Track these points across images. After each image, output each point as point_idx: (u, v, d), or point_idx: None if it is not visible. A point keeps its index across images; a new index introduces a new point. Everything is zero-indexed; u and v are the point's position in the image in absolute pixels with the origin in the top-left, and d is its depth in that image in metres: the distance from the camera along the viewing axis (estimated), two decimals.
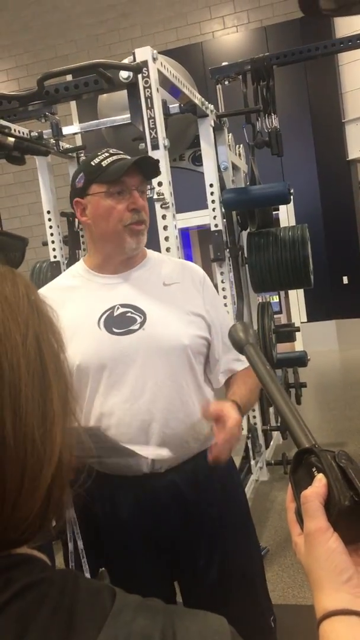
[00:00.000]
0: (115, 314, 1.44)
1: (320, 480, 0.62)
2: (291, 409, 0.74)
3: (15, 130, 2.98)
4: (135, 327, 1.41)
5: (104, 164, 1.44)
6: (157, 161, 1.49)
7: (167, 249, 2.42)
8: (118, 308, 1.44)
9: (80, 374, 1.40)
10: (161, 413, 1.39)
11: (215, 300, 1.57)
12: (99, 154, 1.48)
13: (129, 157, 1.48)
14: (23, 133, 3.19)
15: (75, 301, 1.48)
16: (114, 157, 1.46)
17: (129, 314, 1.43)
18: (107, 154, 1.47)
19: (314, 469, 0.65)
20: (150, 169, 1.48)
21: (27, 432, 0.47)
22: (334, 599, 0.57)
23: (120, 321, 1.42)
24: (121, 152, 1.51)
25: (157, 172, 1.51)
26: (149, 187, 1.49)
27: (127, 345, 1.40)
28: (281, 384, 0.88)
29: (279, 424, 4.27)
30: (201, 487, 1.45)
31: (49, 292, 1.53)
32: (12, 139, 2.89)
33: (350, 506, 0.60)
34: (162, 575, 1.49)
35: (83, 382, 1.41)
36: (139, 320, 1.42)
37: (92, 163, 1.46)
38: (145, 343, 1.40)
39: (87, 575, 1.34)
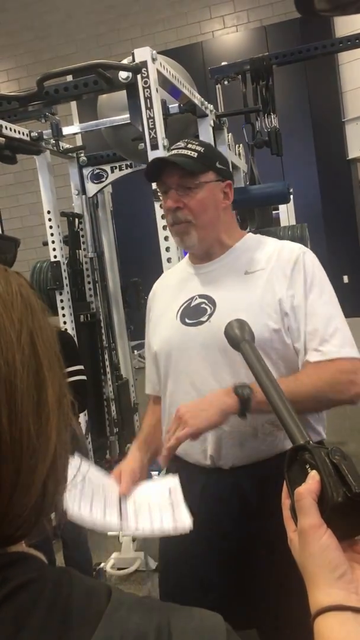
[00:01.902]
0: (192, 304, 1.45)
1: (313, 477, 0.63)
2: (286, 406, 0.75)
3: (6, 128, 2.98)
4: (204, 318, 1.41)
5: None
6: (186, 156, 1.43)
7: (167, 249, 2.43)
8: (196, 299, 1.46)
9: (158, 361, 1.49)
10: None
11: (308, 285, 1.39)
12: (172, 149, 1.49)
13: (180, 151, 1.44)
14: (20, 132, 3.19)
15: (169, 290, 1.55)
16: (168, 153, 1.48)
17: (202, 305, 1.43)
18: (173, 148, 1.48)
19: (307, 466, 0.65)
20: (187, 163, 1.42)
21: (23, 427, 0.47)
22: (328, 594, 0.58)
23: (194, 312, 1.44)
24: (181, 145, 1.46)
25: (198, 165, 1.42)
26: (197, 182, 1.41)
27: (193, 336, 1.41)
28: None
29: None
30: (267, 494, 1.35)
31: (161, 278, 1.67)
32: (2, 139, 2.90)
33: (343, 502, 0.60)
34: (213, 569, 1.45)
35: (160, 369, 1.49)
36: (209, 311, 1.41)
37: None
38: (208, 336, 1.38)
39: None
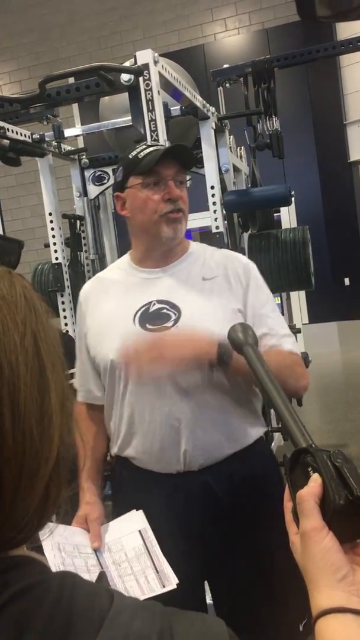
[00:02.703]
0: (151, 309, 1.43)
1: (315, 480, 0.63)
2: (289, 409, 0.75)
3: (10, 130, 2.99)
4: (169, 324, 1.40)
5: (140, 155, 1.44)
6: (190, 150, 1.47)
7: None
8: (154, 304, 1.44)
9: (114, 369, 1.43)
10: (192, 413, 1.38)
11: (260, 293, 1.50)
12: (138, 146, 1.48)
13: (164, 147, 1.48)
14: (22, 135, 3.20)
15: (115, 295, 1.50)
16: (151, 149, 1.45)
17: (164, 310, 1.42)
18: (144, 146, 1.47)
19: (309, 469, 0.65)
20: (186, 158, 1.46)
21: (26, 430, 0.47)
22: (329, 597, 0.58)
23: (155, 317, 1.42)
24: (159, 144, 1.50)
25: (191, 161, 1.49)
26: (188, 178, 1.48)
27: None
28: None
29: (279, 426, 4.27)
30: (236, 490, 1.42)
31: (94, 283, 1.60)
32: (6, 141, 2.90)
33: (345, 505, 0.61)
34: (192, 575, 1.45)
35: (116, 377, 1.43)
36: (173, 317, 1.41)
37: (130, 156, 1.47)
38: None
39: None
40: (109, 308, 1.49)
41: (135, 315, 1.43)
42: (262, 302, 1.48)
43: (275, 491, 1.51)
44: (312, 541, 0.61)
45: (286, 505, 0.69)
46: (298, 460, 0.68)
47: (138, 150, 1.46)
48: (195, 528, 1.42)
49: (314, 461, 0.65)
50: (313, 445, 0.69)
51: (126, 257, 1.58)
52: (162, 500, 1.41)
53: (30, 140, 3.24)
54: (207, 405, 1.39)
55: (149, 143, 1.49)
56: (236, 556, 1.43)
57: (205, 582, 1.54)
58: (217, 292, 1.45)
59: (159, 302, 1.43)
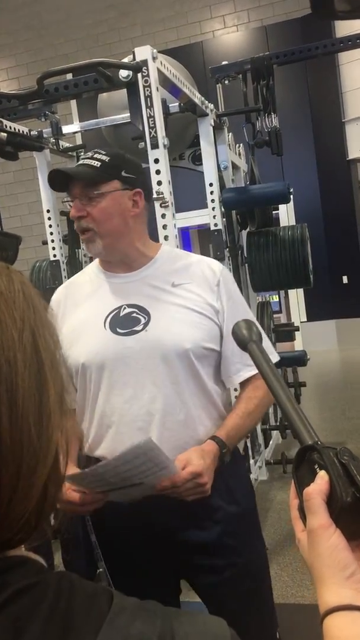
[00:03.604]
0: (121, 314, 1.44)
1: (322, 477, 0.63)
2: (294, 406, 0.74)
3: (6, 126, 2.97)
4: (139, 328, 1.41)
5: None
6: (89, 166, 1.45)
7: None
8: (125, 308, 1.45)
9: (85, 372, 1.44)
10: (160, 414, 1.39)
11: (233, 299, 1.50)
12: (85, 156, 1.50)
13: (85, 162, 1.47)
14: (20, 131, 3.19)
15: (85, 301, 1.52)
16: (68, 165, 1.48)
17: (134, 315, 1.43)
18: (82, 158, 1.50)
19: (316, 466, 0.65)
20: (84, 177, 1.45)
21: (24, 428, 0.46)
22: (337, 594, 0.58)
23: (125, 321, 1.43)
24: (88, 156, 1.48)
25: (94, 175, 1.44)
26: (96, 192, 1.43)
27: (129, 346, 1.40)
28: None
29: (277, 423, 4.27)
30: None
31: (65, 290, 1.60)
32: (4, 134, 2.89)
33: (352, 502, 0.60)
34: (165, 575, 1.49)
35: (87, 380, 1.45)
36: (143, 321, 1.42)
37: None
38: (147, 345, 1.40)
39: (103, 564, 1.40)
40: (80, 313, 1.50)
41: (105, 320, 1.44)
42: (235, 314, 1.44)
43: (245, 491, 1.55)
44: (320, 539, 0.61)
45: (292, 502, 0.68)
46: (304, 458, 0.68)
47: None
48: (165, 532, 1.43)
49: (321, 458, 0.65)
50: (319, 443, 0.68)
51: (95, 263, 1.59)
52: (129, 504, 1.40)
53: (28, 134, 3.23)
54: (174, 408, 1.41)
55: (82, 155, 1.51)
56: (209, 563, 1.45)
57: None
58: (187, 298, 1.45)
59: (129, 306, 1.45)
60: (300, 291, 8.44)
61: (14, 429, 0.46)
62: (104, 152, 1.47)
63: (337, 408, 5.53)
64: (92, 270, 1.58)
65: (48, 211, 3.59)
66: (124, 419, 1.41)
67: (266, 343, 1.45)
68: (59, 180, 1.47)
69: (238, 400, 1.51)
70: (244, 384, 1.50)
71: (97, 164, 1.44)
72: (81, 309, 1.50)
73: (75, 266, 4.13)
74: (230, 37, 8.84)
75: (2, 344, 0.46)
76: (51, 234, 3.62)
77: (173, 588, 1.54)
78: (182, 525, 1.43)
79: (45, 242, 3.71)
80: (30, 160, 3.65)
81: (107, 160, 1.45)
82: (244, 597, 1.46)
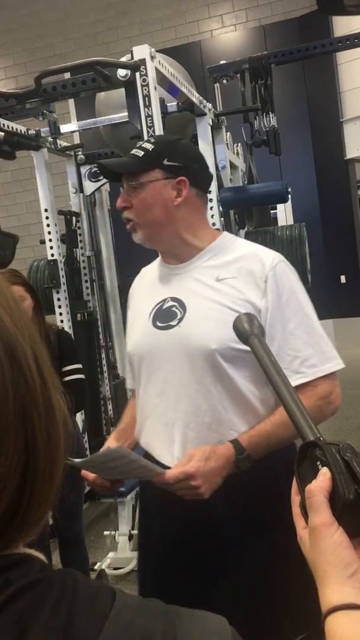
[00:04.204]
0: (164, 307, 1.43)
1: (324, 474, 0.62)
2: (296, 402, 0.73)
3: (4, 125, 2.97)
4: (174, 323, 1.39)
5: None
6: (118, 163, 1.46)
7: None
8: (168, 301, 1.43)
9: (131, 362, 1.50)
10: (184, 414, 1.35)
11: (282, 298, 1.35)
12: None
13: (132, 151, 1.45)
14: (18, 130, 3.18)
15: (145, 290, 1.54)
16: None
17: (173, 308, 1.41)
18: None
19: (318, 463, 0.64)
20: (125, 168, 1.44)
21: (52, 426, 0.49)
22: (339, 593, 0.57)
23: (165, 315, 1.41)
24: (137, 146, 1.47)
25: (139, 165, 1.42)
26: (133, 183, 1.40)
27: (163, 340, 1.39)
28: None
29: None
30: (229, 496, 1.34)
31: (137, 279, 1.63)
32: (1, 134, 2.89)
33: (355, 499, 0.60)
34: (188, 578, 1.44)
35: (134, 370, 1.49)
36: (179, 315, 1.39)
37: None
38: (177, 341, 1.37)
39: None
40: (139, 302, 1.53)
41: (151, 312, 1.44)
42: (286, 313, 1.34)
43: (277, 497, 1.41)
44: (322, 536, 0.60)
45: (294, 499, 0.68)
46: (306, 454, 0.67)
47: None
48: (189, 537, 1.41)
49: (323, 455, 0.64)
50: (321, 439, 0.67)
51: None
52: (159, 504, 1.41)
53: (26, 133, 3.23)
54: (199, 409, 1.35)
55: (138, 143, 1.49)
56: (234, 566, 1.39)
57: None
58: (227, 294, 1.36)
59: (172, 299, 1.43)
60: None
61: (49, 447, 0.48)
62: (152, 140, 1.45)
63: None
64: (157, 261, 1.57)
65: (46, 210, 3.59)
66: (155, 413, 1.40)
67: (328, 347, 1.36)
68: (109, 172, 1.45)
69: (280, 407, 1.37)
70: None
71: (140, 153, 1.41)
72: (139, 300, 1.54)
73: (72, 265, 4.13)
74: (228, 36, 8.83)
75: (22, 367, 0.47)
76: (49, 233, 3.62)
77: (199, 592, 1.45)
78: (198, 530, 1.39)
79: (43, 242, 3.70)
80: (28, 160, 3.65)
81: (150, 150, 1.41)
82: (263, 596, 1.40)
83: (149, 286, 1.52)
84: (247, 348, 1.29)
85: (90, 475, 1.38)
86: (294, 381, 1.31)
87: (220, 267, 1.41)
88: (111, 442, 1.52)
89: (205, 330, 1.33)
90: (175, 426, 1.37)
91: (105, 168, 1.45)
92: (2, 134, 2.89)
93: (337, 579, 0.58)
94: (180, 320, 1.38)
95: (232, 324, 0.96)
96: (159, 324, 1.41)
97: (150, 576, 1.52)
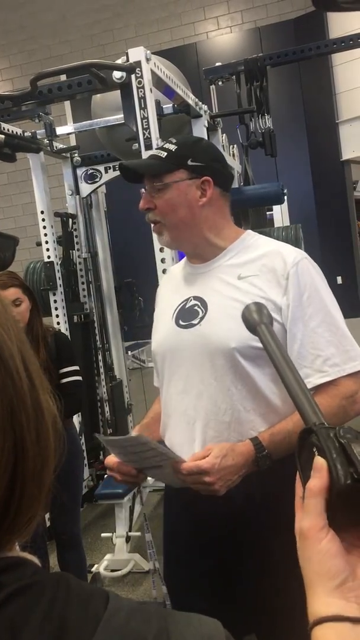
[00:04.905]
0: (187, 306, 1.44)
1: (319, 468, 0.57)
2: (302, 388, 0.69)
3: (4, 127, 2.97)
4: (196, 321, 1.40)
5: None
6: (155, 157, 1.43)
7: (161, 249, 2.42)
8: (191, 300, 1.44)
9: (155, 360, 1.51)
10: (204, 412, 1.36)
11: (303, 296, 1.33)
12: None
13: (153, 152, 1.45)
14: (14, 132, 3.18)
15: (170, 289, 1.55)
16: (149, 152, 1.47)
17: (195, 307, 1.42)
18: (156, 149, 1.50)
19: (314, 450, 0.60)
20: (150, 170, 1.43)
21: (41, 426, 0.49)
22: (325, 604, 0.55)
23: (187, 314, 1.42)
24: (159, 146, 1.47)
25: (163, 167, 1.42)
26: (160, 183, 1.40)
27: (185, 339, 1.40)
28: None
29: None
30: (251, 496, 1.35)
31: (164, 278, 1.66)
32: (2, 136, 2.89)
33: (351, 484, 0.55)
34: (207, 577, 1.43)
35: (157, 368, 1.52)
36: (200, 314, 1.40)
37: None
38: (198, 339, 1.37)
39: (155, 563, 1.39)
40: (164, 301, 1.55)
41: (175, 311, 1.46)
42: (308, 311, 1.33)
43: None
44: (309, 542, 0.57)
45: (297, 490, 0.63)
46: (305, 441, 0.62)
47: None
48: (208, 537, 1.41)
49: (317, 440, 0.59)
50: (322, 424, 0.62)
51: None
52: (180, 502, 1.42)
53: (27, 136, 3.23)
54: (219, 408, 1.35)
55: (157, 145, 1.49)
56: (251, 567, 1.39)
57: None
58: (248, 292, 1.34)
59: (195, 298, 1.44)
60: None
61: (37, 427, 0.48)
62: (174, 141, 1.44)
63: None
64: (183, 261, 1.59)
65: (42, 212, 3.59)
66: (177, 410, 1.41)
67: (336, 358, 1.32)
68: (130, 174, 1.45)
69: None
70: (316, 392, 1.31)
71: (163, 154, 1.41)
72: (165, 298, 1.55)
73: (69, 267, 4.13)
74: (223, 38, 8.84)
75: (9, 360, 0.47)
76: (45, 235, 3.62)
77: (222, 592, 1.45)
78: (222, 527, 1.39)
79: (39, 244, 3.70)
80: (25, 162, 3.65)
81: (173, 150, 1.41)
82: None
83: (174, 286, 1.54)
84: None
85: (112, 460, 1.36)
86: (317, 380, 1.31)
87: (242, 265, 1.40)
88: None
89: (225, 329, 1.33)
90: (196, 425, 1.37)
91: (127, 169, 1.45)
92: (2, 137, 2.89)
93: (324, 589, 0.55)
94: (202, 319, 1.39)
95: (241, 313, 0.95)
96: (181, 322, 1.43)
97: (178, 578, 1.53)
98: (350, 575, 0.56)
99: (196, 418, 1.37)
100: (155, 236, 2.36)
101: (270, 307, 1.26)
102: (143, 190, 1.44)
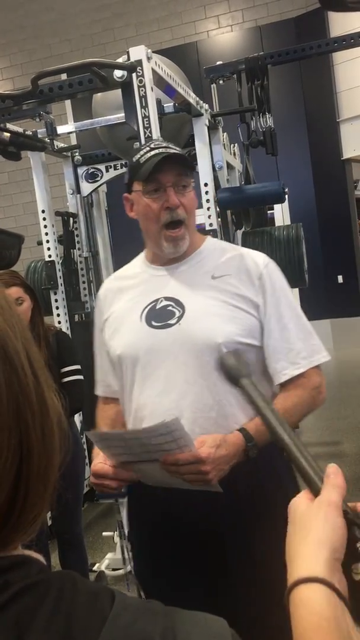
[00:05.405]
0: (157, 307, 1.43)
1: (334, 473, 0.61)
2: (303, 453, 0.67)
3: (9, 127, 2.98)
4: (173, 321, 1.39)
5: (141, 160, 1.41)
6: (183, 156, 1.44)
7: None
8: (161, 301, 1.43)
9: (121, 364, 1.45)
10: (190, 410, 1.37)
11: (276, 295, 1.42)
12: (142, 147, 1.45)
13: (165, 151, 1.42)
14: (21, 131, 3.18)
15: (129, 292, 1.51)
16: (151, 153, 1.41)
17: (169, 308, 1.42)
18: (147, 149, 1.43)
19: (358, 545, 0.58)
20: (186, 161, 1.44)
21: (46, 424, 0.49)
22: (329, 568, 0.56)
23: (160, 314, 1.41)
24: (163, 144, 1.45)
25: (189, 165, 1.44)
26: (192, 180, 1.43)
27: (162, 339, 1.39)
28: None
29: None
30: (238, 491, 1.37)
31: (113, 282, 1.60)
32: (7, 134, 2.89)
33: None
34: (195, 572, 1.44)
35: (124, 372, 1.45)
36: (177, 314, 1.40)
37: (134, 159, 1.44)
38: (179, 338, 1.38)
39: (131, 566, 1.38)
40: (122, 304, 1.50)
41: (142, 312, 1.44)
42: (280, 309, 1.41)
43: (280, 493, 1.44)
44: (333, 509, 0.59)
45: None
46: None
47: (141, 153, 1.43)
48: (194, 533, 1.41)
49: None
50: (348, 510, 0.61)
51: (142, 255, 1.58)
52: (163, 503, 1.40)
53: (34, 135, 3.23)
54: (205, 405, 1.37)
55: (153, 145, 1.45)
56: (239, 564, 1.41)
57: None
58: (225, 291, 1.40)
59: (166, 299, 1.43)
60: (296, 291, 8.42)
61: (43, 443, 0.48)
62: (172, 145, 1.46)
63: (333, 407, 5.54)
64: (138, 263, 1.57)
65: (43, 211, 3.59)
66: (155, 412, 1.39)
67: (307, 350, 1.43)
68: (156, 167, 1.39)
69: (277, 397, 1.44)
70: (285, 382, 1.42)
71: (182, 152, 1.43)
72: (123, 301, 1.50)
73: (70, 266, 4.13)
74: (224, 37, 8.84)
75: (14, 359, 0.48)
76: (46, 234, 3.62)
77: (204, 589, 1.47)
78: (206, 520, 1.40)
79: (40, 243, 3.70)
80: (25, 161, 3.64)
81: (181, 152, 1.45)
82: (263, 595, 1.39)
83: (132, 288, 1.51)
84: (251, 341, 1.39)
85: (105, 468, 1.34)
86: (293, 371, 1.40)
87: (213, 267, 1.45)
88: (95, 452, 1.44)
89: (209, 326, 1.37)
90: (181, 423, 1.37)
91: (167, 159, 1.39)
92: (8, 134, 2.89)
93: (324, 554, 0.56)
94: (180, 318, 1.39)
95: (219, 362, 0.92)
96: (154, 323, 1.41)
97: (154, 576, 1.51)
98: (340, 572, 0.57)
99: (180, 417, 1.34)
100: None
101: (247, 305, 1.39)
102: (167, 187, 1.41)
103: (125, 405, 1.49)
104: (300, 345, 1.42)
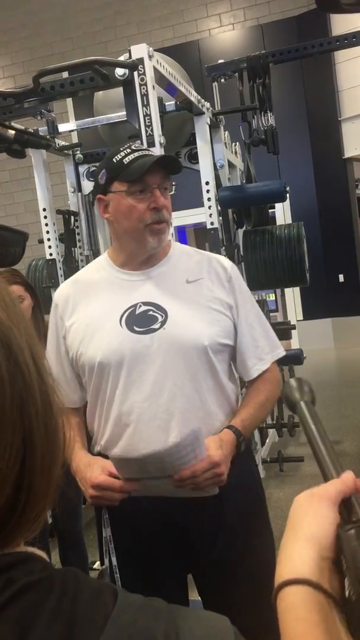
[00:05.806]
0: (137, 312, 1.43)
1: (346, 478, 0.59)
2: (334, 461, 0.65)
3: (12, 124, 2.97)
4: (156, 326, 1.40)
5: (125, 161, 1.41)
6: (176, 159, 1.49)
7: None
8: (140, 306, 1.44)
9: (101, 370, 1.43)
10: (180, 412, 1.39)
11: (243, 295, 1.52)
12: (122, 149, 1.44)
13: (150, 152, 1.46)
14: (25, 128, 3.18)
15: (97, 297, 1.49)
16: (136, 154, 1.42)
17: (150, 312, 1.42)
18: (129, 150, 1.44)
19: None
20: (172, 165, 1.45)
21: (50, 421, 0.49)
22: (320, 567, 0.53)
23: (141, 319, 1.42)
24: (143, 148, 1.48)
25: (179, 168, 1.46)
26: (173, 183, 1.47)
27: (148, 344, 1.39)
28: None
29: (274, 422, 4.28)
30: (223, 488, 1.40)
31: (74, 286, 1.56)
32: (12, 132, 2.88)
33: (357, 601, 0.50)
34: (176, 569, 1.49)
35: (104, 379, 1.43)
36: (160, 319, 1.41)
37: (114, 160, 1.43)
38: (166, 342, 1.39)
39: (113, 559, 1.42)
40: (92, 310, 1.47)
41: (121, 318, 1.43)
42: (247, 309, 1.51)
43: (255, 482, 1.58)
44: (328, 504, 0.56)
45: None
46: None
47: (122, 154, 1.43)
48: (179, 530, 1.43)
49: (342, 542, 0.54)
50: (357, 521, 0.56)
51: (104, 258, 1.55)
52: (145, 503, 1.41)
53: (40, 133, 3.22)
54: (194, 405, 1.40)
55: (133, 147, 1.46)
56: (219, 550, 1.45)
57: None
58: (202, 294, 1.46)
59: (145, 304, 1.43)
60: (297, 290, 8.44)
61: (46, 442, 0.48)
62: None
63: (334, 406, 5.54)
64: (102, 266, 1.54)
65: (44, 210, 3.59)
66: (143, 417, 1.39)
67: (270, 346, 1.54)
68: (141, 166, 1.40)
69: (248, 392, 1.53)
70: (258, 380, 1.52)
71: (175, 157, 1.48)
72: (93, 306, 1.47)
73: (71, 265, 4.13)
74: (226, 35, 8.83)
75: (18, 355, 0.48)
76: (47, 232, 3.61)
77: (181, 583, 1.53)
78: (191, 519, 1.43)
79: (41, 241, 3.70)
80: (27, 159, 3.64)
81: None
82: (250, 591, 1.43)
83: (103, 292, 1.49)
84: (228, 342, 1.47)
85: (109, 480, 1.33)
86: (263, 366, 1.51)
87: (185, 270, 1.50)
88: (82, 461, 1.43)
89: (195, 329, 1.42)
90: (171, 425, 1.38)
91: (165, 160, 1.43)
92: (13, 132, 2.88)
93: (314, 551, 0.54)
94: (164, 322, 1.41)
95: (283, 391, 0.91)
96: (137, 328, 1.41)
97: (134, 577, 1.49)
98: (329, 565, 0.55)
99: (170, 419, 1.39)
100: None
101: (224, 307, 1.46)
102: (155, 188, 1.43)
103: (101, 413, 1.46)
104: (264, 341, 1.52)
